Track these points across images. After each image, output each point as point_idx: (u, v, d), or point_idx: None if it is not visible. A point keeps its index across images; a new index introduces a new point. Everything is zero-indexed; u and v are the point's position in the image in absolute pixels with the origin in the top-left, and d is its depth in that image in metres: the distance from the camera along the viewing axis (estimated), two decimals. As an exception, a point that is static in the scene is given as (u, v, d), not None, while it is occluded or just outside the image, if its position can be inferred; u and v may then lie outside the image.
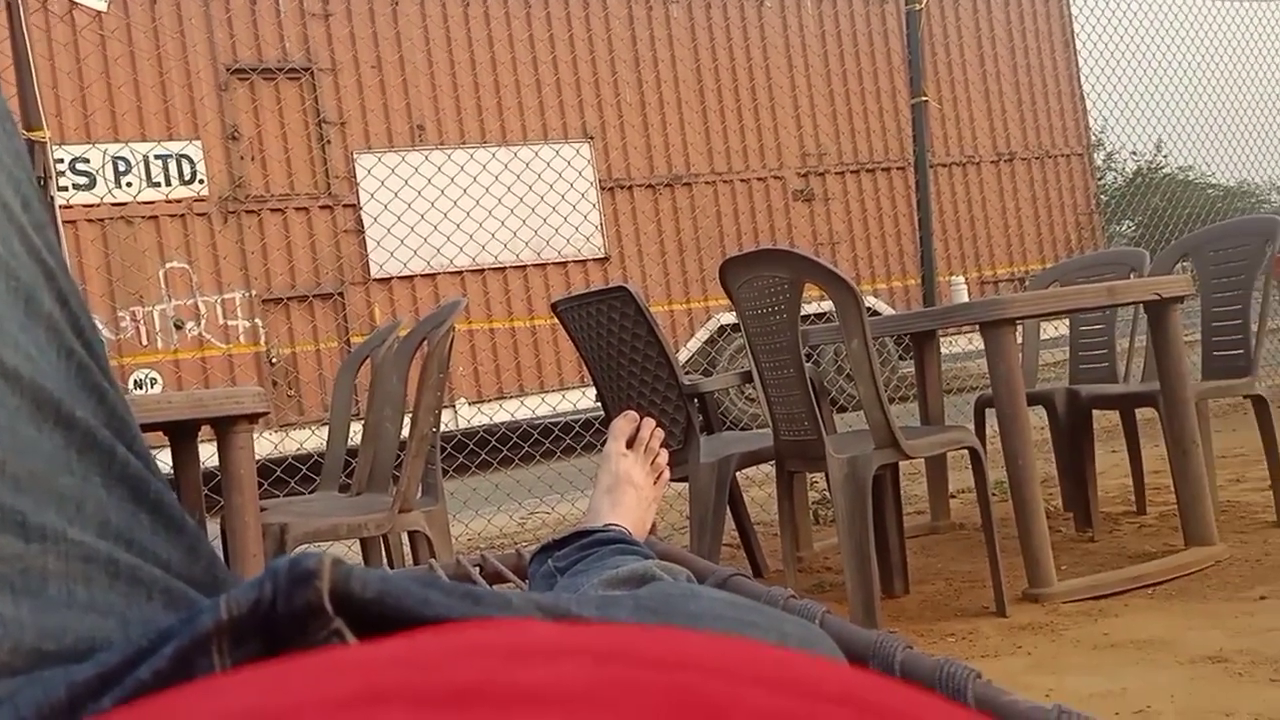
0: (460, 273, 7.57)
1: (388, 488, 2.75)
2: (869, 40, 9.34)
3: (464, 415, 7.47)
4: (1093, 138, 10.55)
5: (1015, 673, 2.18)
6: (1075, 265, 4.10)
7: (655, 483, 1.32)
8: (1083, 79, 9.93)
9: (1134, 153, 13.44)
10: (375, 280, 7.39)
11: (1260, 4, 7.88)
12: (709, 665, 0.24)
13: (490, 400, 7.63)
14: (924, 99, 4.39)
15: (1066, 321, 3.96)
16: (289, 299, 7.12)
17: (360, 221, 7.35)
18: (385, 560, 2.93)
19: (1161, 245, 7.20)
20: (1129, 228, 12.95)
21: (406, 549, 2.75)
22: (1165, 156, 11.84)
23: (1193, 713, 1.85)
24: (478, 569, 1.24)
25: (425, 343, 2.57)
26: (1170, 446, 2.94)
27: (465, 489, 4.92)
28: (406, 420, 2.61)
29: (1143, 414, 3.46)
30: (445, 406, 7.28)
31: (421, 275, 7.45)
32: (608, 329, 3.00)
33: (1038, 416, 3.49)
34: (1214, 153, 8.29)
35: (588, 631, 0.26)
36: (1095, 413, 3.49)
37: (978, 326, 2.77)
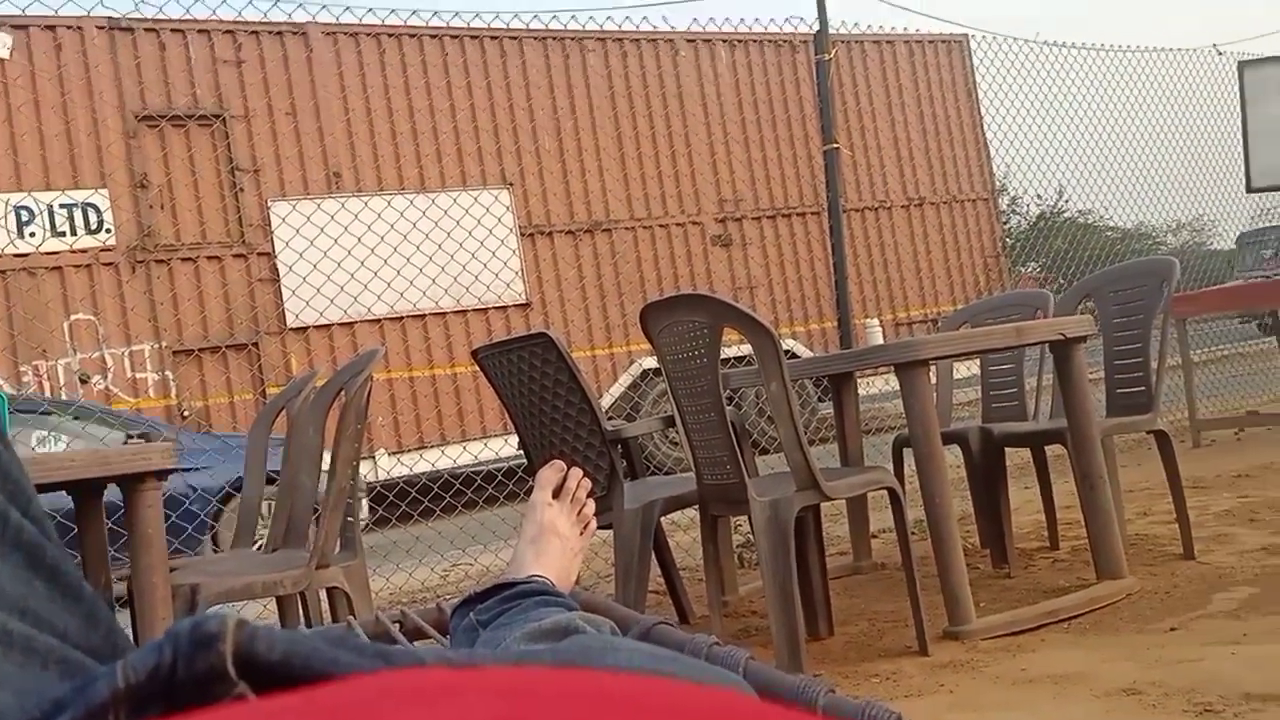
0: (379, 321, 7.48)
1: (304, 543, 2.68)
2: (782, 89, 9.57)
3: (383, 466, 7.35)
4: (997, 183, 10.92)
5: (938, 711, 2.20)
6: (984, 306, 4.22)
7: (581, 533, 1.31)
8: (986, 127, 10.30)
9: (1038, 197, 13.94)
10: (291, 330, 7.26)
11: (1155, 55, 8.28)
12: (618, 699, 0.24)
13: (411, 450, 7.52)
14: (835, 146, 4.50)
15: (978, 361, 4.06)
16: (201, 350, 6.95)
17: (275, 270, 7.23)
18: (303, 618, 2.84)
19: (1065, 286, 7.45)
20: (1034, 269, 13.39)
21: (325, 606, 2.68)
22: (1066, 201, 12.31)
23: (1110, 744, 1.89)
24: (398, 625, 1.21)
25: (343, 393, 2.52)
26: (1079, 482, 3.02)
27: (386, 542, 4.82)
28: (324, 473, 2.56)
29: (1052, 450, 3.56)
30: (364, 458, 7.16)
31: (339, 324, 7.35)
32: (529, 375, 2.99)
33: (953, 455, 3.56)
34: (1112, 196, 8.65)
35: (493, 673, 0.26)
36: (1008, 450, 3.58)
37: (893, 368, 2.83)
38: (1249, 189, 7.43)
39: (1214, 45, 8.07)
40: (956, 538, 2.72)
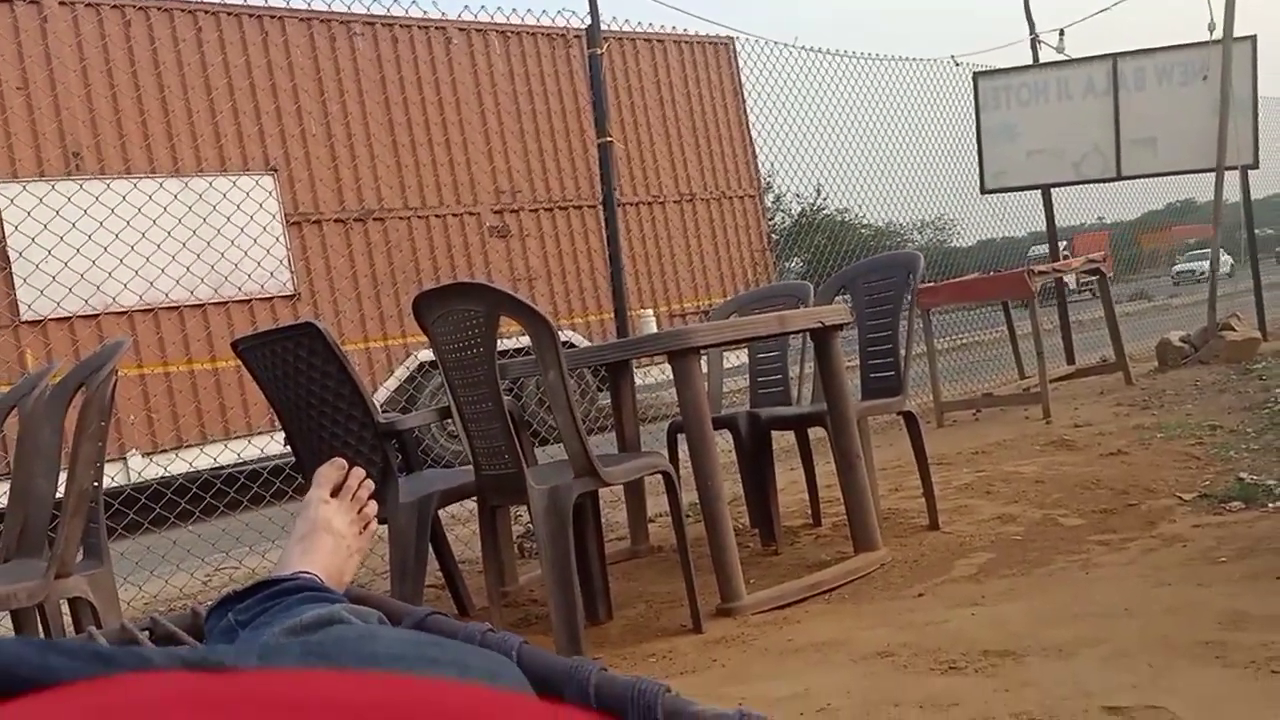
0: (127, 312, 6.94)
1: (42, 552, 2.46)
2: (556, 82, 9.59)
3: (135, 467, 6.84)
4: (763, 181, 11.41)
5: (711, 685, 2.28)
6: (751, 297, 4.39)
7: (361, 532, 1.27)
8: (751, 127, 10.73)
9: (799, 195, 14.67)
10: (25, 322, 6.63)
11: (900, 64, 8.88)
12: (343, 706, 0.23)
13: (168, 450, 7.03)
14: (609, 140, 4.55)
15: (746, 349, 4.22)
16: (-85, 346, 6.22)
17: (5, 257, 6.57)
18: (42, 632, 2.61)
19: (825, 278, 7.87)
20: (798, 264, 14.09)
21: (68, 619, 2.47)
22: (825, 199, 13.01)
23: (867, 705, 2.02)
24: (147, 633, 1.12)
25: (84, 388, 2.32)
26: (838, 462, 3.21)
27: (139, 548, 4.49)
28: (64, 476, 2.35)
29: (815, 432, 3.75)
30: (114, 459, 6.63)
31: (80, 316, 6.76)
32: (295, 368, 2.86)
33: (724, 439, 3.69)
34: (865, 196, 9.22)
35: (231, 681, 0.24)
36: (774, 433, 3.75)
37: (667, 356, 2.90)
38: (983, 191, 8.12)
39: (952, 57, 8.73)
40: (728, 519, 2.82)
